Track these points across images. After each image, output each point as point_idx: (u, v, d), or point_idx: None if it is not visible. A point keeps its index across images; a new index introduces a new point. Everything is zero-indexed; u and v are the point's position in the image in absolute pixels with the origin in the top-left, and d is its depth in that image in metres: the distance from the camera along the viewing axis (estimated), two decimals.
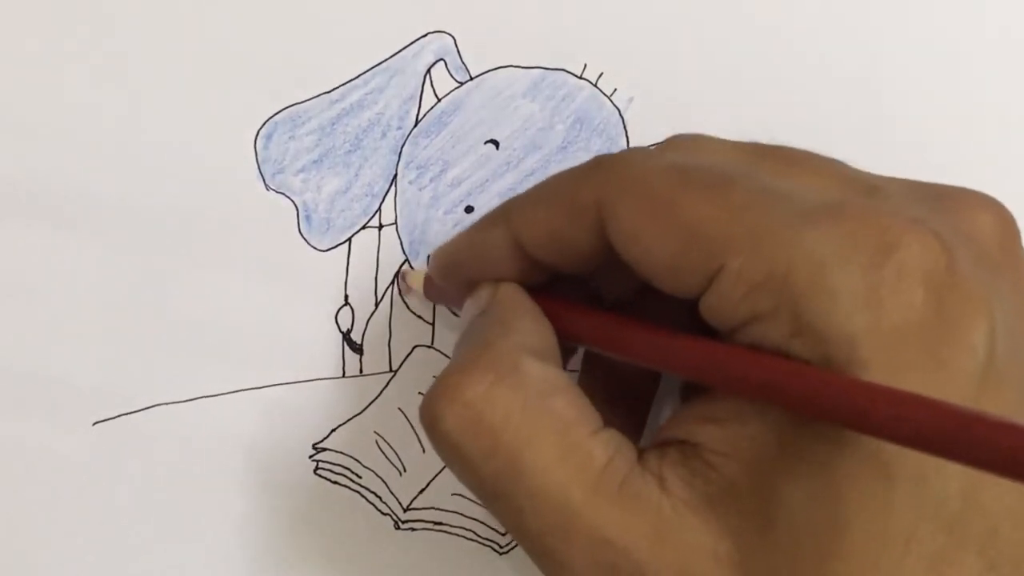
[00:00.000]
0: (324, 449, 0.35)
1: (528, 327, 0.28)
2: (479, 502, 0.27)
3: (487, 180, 0.35)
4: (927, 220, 0.24)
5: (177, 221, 0.35)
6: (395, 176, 0.36)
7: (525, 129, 0.36)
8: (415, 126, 0.36)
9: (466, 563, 0.35)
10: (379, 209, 0.36)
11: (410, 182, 0.36)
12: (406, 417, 0.35)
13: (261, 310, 0.35)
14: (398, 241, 0.36)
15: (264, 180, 0.35)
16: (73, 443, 0.35)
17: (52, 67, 0.35)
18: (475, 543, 0.35)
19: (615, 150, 0.35)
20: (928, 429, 0.20)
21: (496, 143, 0.36)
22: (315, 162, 0.35)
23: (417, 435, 0.35)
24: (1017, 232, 0.27)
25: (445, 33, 0.36)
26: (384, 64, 0.36)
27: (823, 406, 0.22)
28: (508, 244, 0.29)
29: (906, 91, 0.35)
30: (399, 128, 0.36)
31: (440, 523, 0.35)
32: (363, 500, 0.35)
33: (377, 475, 0.35)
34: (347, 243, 0.35)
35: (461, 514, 0.35)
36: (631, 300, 0.30)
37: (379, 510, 0.35)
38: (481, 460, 0.25)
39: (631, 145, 0.36)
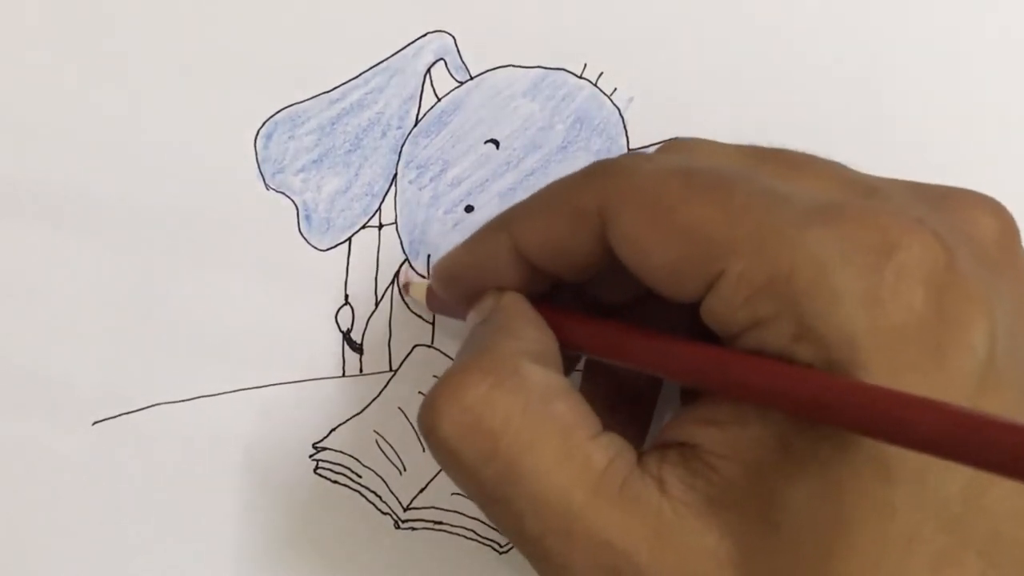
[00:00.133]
0: (324, 448, 0.35)
1: (530, 334, 0.28)
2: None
3: (487, 180, 0.35)
4: (927, 221, 0.24)
5: (177, 221, 0.35)
6: (395, 176, 0.36)
7: (525, 129, 0.36)
8: (415, 126, 0.36)
9: (466, 563, 0.35)
10: (379, 209, 0.36)
11: (410, 182, 0.36)
12: (406, 417, 0.35)
13: (261, 310, 0.35)
14: (398, 241, 0.36)
15: (264, 180, 0.35)
16: (73, 443, 0.35)
17: (52, 67, 0.35)
18: (475, 542, 0.35)
19: (615, 150, 0.35)
20: (929, 431, 0.20)
21: (496, 143, 0.36)
22: (315, 162, 0.35)
23: (417, 435, 0.35)
24: (1017, 232, 0.27)
25: (445, 33, 0.36)
26: (384, 64, 0.36)
27: (827, 411, 0.22)
28: (509, 253, 0.29)
29: (906, 91, 0.35)
30: (399, 128, 0.36)
31: (440, 522, 0.35)
32: (363, 499, 0.35)
33: (377, 474, 0.35)
34: (347, 243, 0.35)
35: (461, 513, 0.35)
36: (632, 307, 0.30)
37: (379, 509, 0.35)
38: (481, 463, 0.25)
39: (631, 144, 0.36)
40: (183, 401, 0.35)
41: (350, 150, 0.35)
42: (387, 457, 0.35)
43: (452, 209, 0.36)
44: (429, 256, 0.35)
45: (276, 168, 0.35)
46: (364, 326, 0.35)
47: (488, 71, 0.36)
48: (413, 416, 0.35)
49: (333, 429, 0.35)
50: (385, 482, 0.35)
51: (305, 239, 0.35)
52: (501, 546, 0.35)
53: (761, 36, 0.35)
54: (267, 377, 0.35)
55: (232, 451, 0.35)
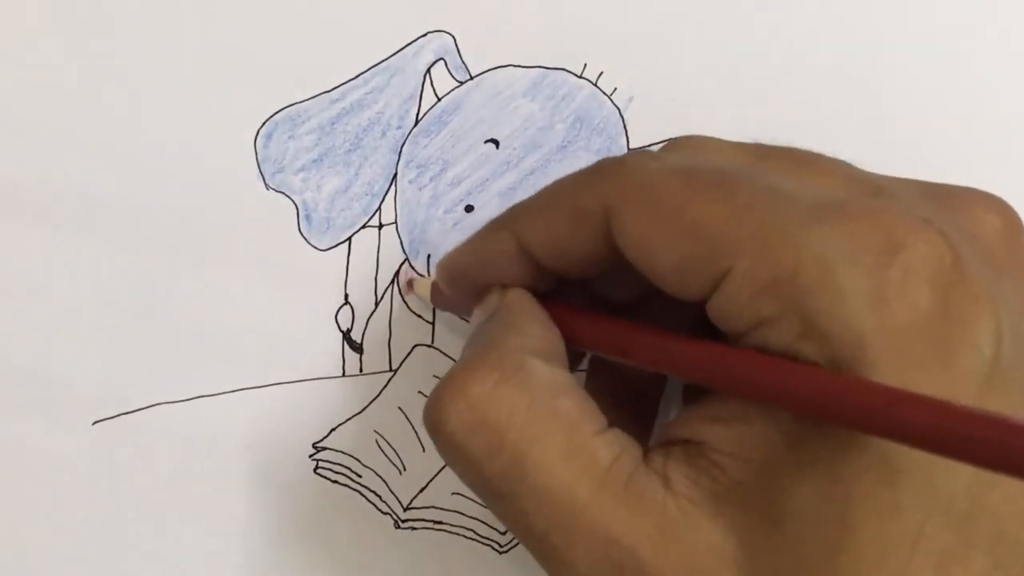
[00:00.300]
0: (324, 448, 0.35)
1: (535, 331, 0.28)
2: (481, 502, 0.27)
3: (487, 179, 0.35)
4: (933, 219, 0.24)
5: (177, 221, 0.35)
6: (395, 175, 0.36)
7: (525, 128, 0.36)
8: (415, 125, 0.36)
9: (466, 562, 0.35)
10: (379, 208, 0.35)
11: (410, 181, 0.36)
12: (406, 416, 0.35)
13: (261, 310, 0.35)
14: (398, 240, 0.36)
15: (264, 179, 0.35)
16: (73, 443, 0.35)
17: (52, 67, 0.35)
18: (475, 542, 0.35)
19: (615, 149, 0.35)
20: (936, 430, 0.20)
21: (496, 142, 0.36)
22: (315, 161, 0.35)
23: (417, 434, 0.35)
24: (1022, 231, 0.27)
25: (445, 32, 0.36)
26: (384, 63, 0.36)
27: (833, 410, 0.22)
28: (514, 250, 0.29)
29: (906, 91, 0.35)
30: (399, 127, 0.36)
31: (440, 522, 0.35)
32: (363, 499, 0.35)
33: (377, 474, 0.35)
34: (347, 242, 0.35)
35: (461, 513, 0.35)
36: (638, 304, 0.30)
37: (379, 509, 0.35)
38: (486, 459, 0.25)
39: (631, 144, 0.36)
40: (183, 401, 0.35)
41: (350, 150, 0.35)
42: (387, 457, 0.35)
43: (452, 209, 0.36)
44: (429, 256, 0.35)
45: (276, 168, 0.35)
46: (364, 326, 0.35)
47: (488, 71, 0.36)
48: (413, 416, 0.35)
49: (333, 429, 0.35)
50: (385, 482, 0.35)
51: (305, 239, 0.35)
52: (501, 546, 0.35)
53: (761, 36, 0.36)
54: (267, 377, 0.35)
55: (232, 451, 0.35)
